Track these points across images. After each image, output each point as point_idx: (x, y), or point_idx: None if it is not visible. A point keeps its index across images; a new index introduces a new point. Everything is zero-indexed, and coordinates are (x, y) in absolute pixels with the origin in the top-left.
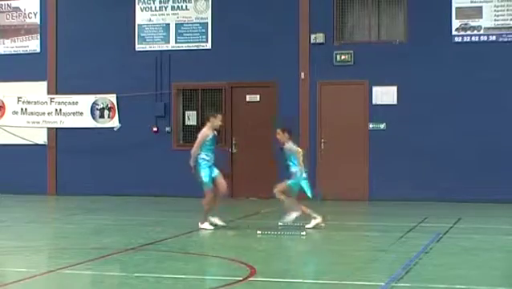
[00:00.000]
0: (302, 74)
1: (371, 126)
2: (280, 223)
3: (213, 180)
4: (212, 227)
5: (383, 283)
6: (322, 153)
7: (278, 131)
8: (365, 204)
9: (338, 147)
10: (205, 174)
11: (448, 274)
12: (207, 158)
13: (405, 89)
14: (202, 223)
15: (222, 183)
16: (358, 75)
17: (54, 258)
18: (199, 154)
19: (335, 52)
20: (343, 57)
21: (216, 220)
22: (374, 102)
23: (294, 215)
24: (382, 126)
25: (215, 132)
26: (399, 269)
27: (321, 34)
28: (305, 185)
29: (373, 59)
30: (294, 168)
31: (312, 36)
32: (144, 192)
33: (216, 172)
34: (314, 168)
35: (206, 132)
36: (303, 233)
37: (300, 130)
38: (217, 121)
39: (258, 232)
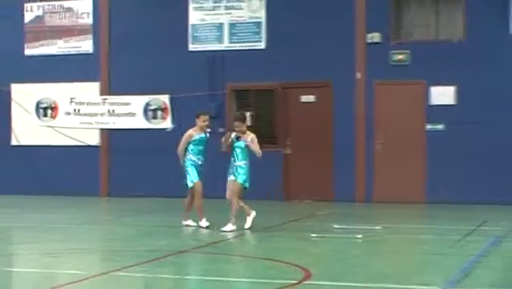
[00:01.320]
0: (358, 74)
1: (428, 127)
2: (335, 226)
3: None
4: (194, 223)
5: (440, 287)
6: (378, 155)
7: (238, 123)
8: (422, 206)
9: (394, 148)
10: (189, 176)
11: (508, 276)
12: (193, 159)
13: (464, 89)
14: (186, 220)
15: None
16: (415, 75)
17: (106, 260)
18: (186, 155)
19: (391, 52)
20: (399, 56)
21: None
22: (431, 102)
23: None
24: (440, 127)
25: (205, 133)
26: (457, 272)
27: (377, 34)
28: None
29: (430, 59)
30: (243, 162)
31: (368, 35)
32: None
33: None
34: (370, 170)
35: (190, 133)
36: (359, 236)
37: (356, 131)
38: (200, 122)
39: (313, 235)
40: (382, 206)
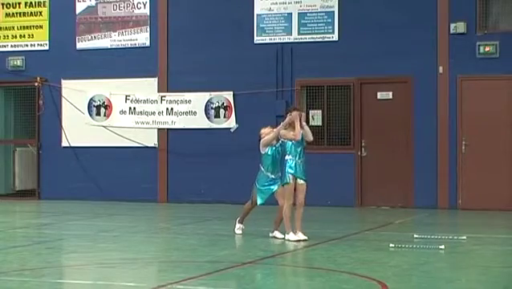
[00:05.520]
0: (441, 68)
1: None
2: (416, 235)
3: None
4: (282, 235)
5: None
6: (463, 157)
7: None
8: None
9: (481, 150)
10: (259, 197)
11: None
12: (271, 176)
13: None
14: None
15: (277, 197)
16: (504, 69)
17: (164, 272)
18: (261, 168)
19: (477, 43)
20: (486, 48)
21: (276, 233)
22: None
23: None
24: None
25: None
26: None
27: (462, 23)
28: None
29: None
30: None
31: (452, 25)
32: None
33: (276, 187)
34: (454, 174)
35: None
36: (442, 247)
37: (439, 131)
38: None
39: (391, 245)
40: (468, 214)
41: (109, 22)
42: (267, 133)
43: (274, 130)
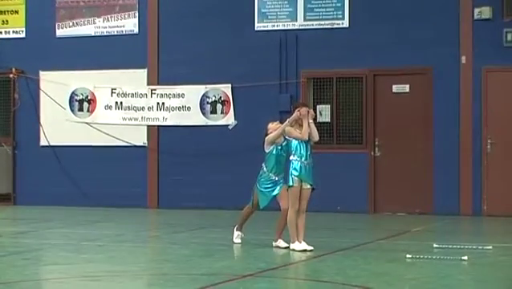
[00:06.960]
0: (463, 58)
1: None
2: (435, 245)
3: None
4: (286, 244)
5: None
6: (488, 157)
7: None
8: None
9: (509, 149)
10: (261, 200)
11: None
12: (274, 177)
13: None
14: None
15: (280, 199)
16: None
17: (154, 286)
18: (263, 168)
19: (505, 30)
20: None
21: (280, 242)
22: None
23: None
24: None
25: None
26: None
27: (487, 8)
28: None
29: None
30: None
31: (476, 10)
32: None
33: (278, 190)
34: (479, 177)
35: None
36: (465, 257)
37: (461, 129)
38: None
39: (408, 256)
40: (494, 221)
41: (93, 6)
42: (275, 129)
43: (280, 126)
